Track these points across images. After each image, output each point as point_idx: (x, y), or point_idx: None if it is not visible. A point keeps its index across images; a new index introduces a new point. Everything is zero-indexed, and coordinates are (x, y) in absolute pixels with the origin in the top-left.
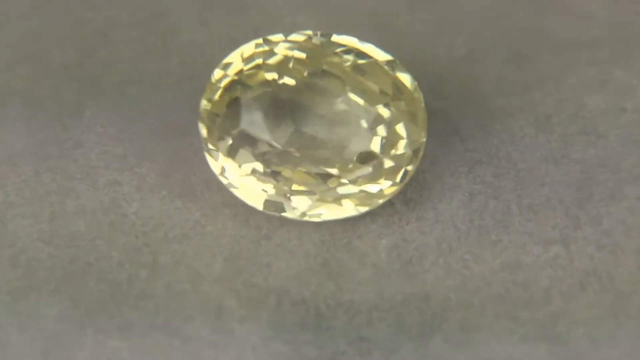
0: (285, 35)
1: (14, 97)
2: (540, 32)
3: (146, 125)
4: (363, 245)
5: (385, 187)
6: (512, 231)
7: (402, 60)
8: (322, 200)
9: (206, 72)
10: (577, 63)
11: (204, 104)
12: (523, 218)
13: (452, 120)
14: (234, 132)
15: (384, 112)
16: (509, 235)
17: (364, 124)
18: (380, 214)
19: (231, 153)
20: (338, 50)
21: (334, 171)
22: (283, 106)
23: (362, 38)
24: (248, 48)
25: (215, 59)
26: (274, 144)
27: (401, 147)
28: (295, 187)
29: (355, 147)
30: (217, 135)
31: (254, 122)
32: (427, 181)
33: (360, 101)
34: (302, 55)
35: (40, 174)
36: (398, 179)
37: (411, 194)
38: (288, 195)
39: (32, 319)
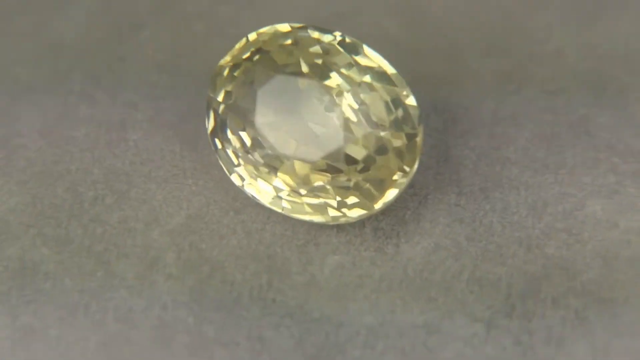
0: (324, 31)
1: None
2: (586, 123)
3: (192, 64)
4: (315, 252)
5: (359, 206)
6: (451, 295)
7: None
8: (294, 195)
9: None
10: (601, 165)
11: (226, 60)
12: (467, 288)
13: (460, 172)
14: (231, 102)
15: (382, 134)
16: (446, 297)
17: (359, 139)
18: (348, 231)
19: (224, 118)
20: (364, 63)
21: (318, 173)
22: (293, 95)
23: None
24: (291, 27)
25: None
26: (260, 127)
27: (385, 174)
28: (279, 174)
29: (342, 155)
30: (222, 96)
31: (251, 99)
32: (405, 218)
33: (364, 115)
34: (335, 52)
35: (71, 71)
36: (375, 203)
37: (384, 225)
38: (264, 176)
39: None
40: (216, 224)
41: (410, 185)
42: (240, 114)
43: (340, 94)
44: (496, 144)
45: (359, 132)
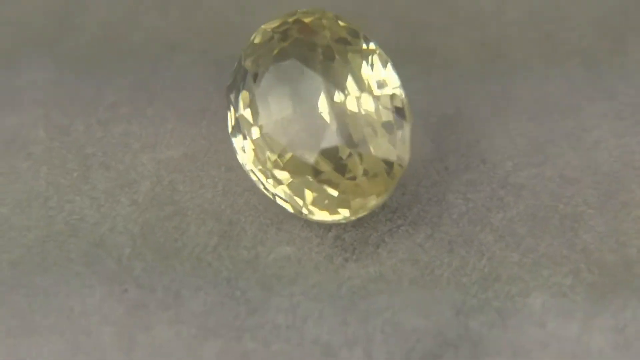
0: (365, 39)
1: None
2: (578, 220)
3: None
4: (273, 237)
5: (326, 209)
6: (363, 328)
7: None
8: (277, 177)
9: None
10: (566, 265)
11: (269, 25)
12: (380, 327)
13: (443, 218)
14: (252, 67)
15: (372, 152)
16: (357, 327)
17: (352, 149)
18: (312, 228)
19: (241, 79)
20: (384, 80)
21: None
22: (302, 84)
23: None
24: (340, 19)
25: (354, 20)
26: (260, 104)
27: (363, 191)
28: (270, 154)
29: (329, 158)
30: (249, 57)
31: (264, 72)
32: (368, 238)
33: (362, 128)
34: (364, 59)
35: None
36: (341, 214)
37: (347, 236)
38: (257, 150)
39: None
40: (204, 172)
41: (392, 211)
42: (254, 83)
43: (348, 99)
44: (490, 206)
45: (351, 142)
